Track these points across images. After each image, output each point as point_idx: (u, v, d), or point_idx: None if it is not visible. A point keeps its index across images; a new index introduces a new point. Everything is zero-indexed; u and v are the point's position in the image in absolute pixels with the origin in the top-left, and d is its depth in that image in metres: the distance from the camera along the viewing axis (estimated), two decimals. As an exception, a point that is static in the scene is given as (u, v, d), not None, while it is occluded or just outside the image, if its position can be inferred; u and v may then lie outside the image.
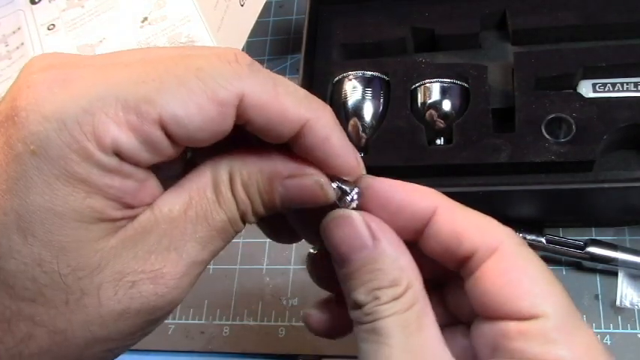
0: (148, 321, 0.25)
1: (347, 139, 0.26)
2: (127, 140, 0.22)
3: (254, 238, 0.51)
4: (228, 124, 0.23)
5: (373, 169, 0.43)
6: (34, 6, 0.71)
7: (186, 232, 0.24)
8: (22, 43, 0.68)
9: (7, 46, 0.69)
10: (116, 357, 0.26)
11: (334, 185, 0.26)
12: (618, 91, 0.43)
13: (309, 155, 0.25)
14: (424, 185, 0.43)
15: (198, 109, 0.22)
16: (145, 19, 0.66)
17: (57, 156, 0.21)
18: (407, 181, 0.43)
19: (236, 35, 0.59)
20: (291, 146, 0.25)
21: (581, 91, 0.43)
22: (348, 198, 0.26)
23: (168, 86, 0.22)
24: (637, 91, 0.43)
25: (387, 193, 0.27)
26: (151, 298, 0.24)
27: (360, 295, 0.24)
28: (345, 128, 0.46)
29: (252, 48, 0.60)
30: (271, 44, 0.61)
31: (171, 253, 0.24)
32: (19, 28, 0.70)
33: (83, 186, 0.22)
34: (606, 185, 0.39)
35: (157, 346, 0.48)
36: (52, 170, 0.21)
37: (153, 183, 0.24)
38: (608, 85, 0.44)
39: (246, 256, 0.50)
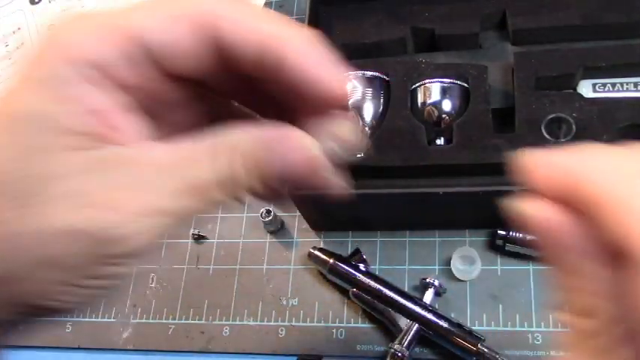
0: (94, 255, 0.23)
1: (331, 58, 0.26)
2: (106, 52, 0.23)
3: (254, 238, 0.51)
4: (204, 47, 0.24)
5: (373, 169, 0.44)
6: (34, 6, 0.71)
7: (163, 182, 0.24)
8: (22, 43, 0.68)
9: (7, 46, 0.69)
10: (65, 310, 0.25)
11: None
12: (618, 91, 0.43)
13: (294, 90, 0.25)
14: (425, 185, 0.44)
15: (170, 25, 0.23)
16: (145, 19, 0.66)
17: (54, 75, 0.23)
18: (407, 180, 0.43)
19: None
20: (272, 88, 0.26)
21: (581, 91, 0.43)
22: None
23: (145, 8, 0.24)
24: (637, 91, 0.43)
25: None
26: (98, 224, 0.23)
27: None
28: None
29: (252, 48, 0.60)
30: (271, 44, 0.61)
31: (137, 193, 0.23)
32: (19, 28, 0.70)
33: (68, 99, 0.23)
34: (606, 185, 0.39)
35: (156, 346, 0.48)
36: (49, 83, 0.23)
37: (137, 124, 0.25)
38: (608, 85, 0.44)
39: (246, 256, 0.50)
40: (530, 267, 0.45)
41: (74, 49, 0.23)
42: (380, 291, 0.44)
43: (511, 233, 0.43)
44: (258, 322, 0.47)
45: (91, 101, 0.23)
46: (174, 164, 0.24)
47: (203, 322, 0.48)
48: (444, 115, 0.45)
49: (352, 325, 0.46)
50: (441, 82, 0.45)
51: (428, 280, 0.44)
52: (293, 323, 0.47)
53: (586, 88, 0.44)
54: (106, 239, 0.23)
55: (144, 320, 0.49)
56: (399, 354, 0.41)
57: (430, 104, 0.45)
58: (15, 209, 0.23)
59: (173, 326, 0.49)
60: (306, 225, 0.50)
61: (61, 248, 0.23)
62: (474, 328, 0.43)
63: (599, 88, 0.44)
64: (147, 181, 0.24)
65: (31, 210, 0.23)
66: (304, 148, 0.24)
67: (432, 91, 0.45)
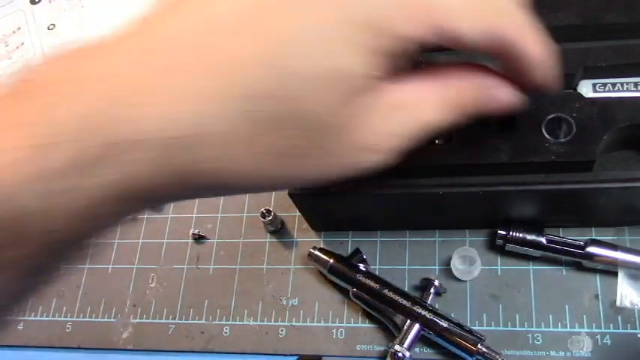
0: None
1: None
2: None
3: (254, 238, 0.51)
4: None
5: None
6: (34, 6, 0.71)
7: (413, 117, 0.30)
8: (22, 43, 0.69)
9: (7, 46, 0.69)
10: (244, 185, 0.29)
11: None
12: (618, 91, 0.43)
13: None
14: (425, 185, 0.43)
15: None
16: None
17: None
18: (407, 180, 0.43)
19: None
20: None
21: (581, 91, 0.43)
22: None
23: None
24: (637, 91, 0.43)
25: None
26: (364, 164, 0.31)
27: None
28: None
29: (252, 48, 0.60)
30: (271, 44, 0.61)
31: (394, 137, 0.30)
32: (19, 28, 0.70)
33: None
34: (606, 185, 0.39)
35: (157, 346, 0.48)
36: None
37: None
38: (608, 85, 0.44)
39: (246, 256, 0.50)
40: (530, 267, 0.45)
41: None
42: (380, 291, 0.44)
43: (511, 233, 0.43)
44: (258, 322, 0.47)
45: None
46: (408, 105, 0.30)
47: (203, 322, 0.48)
48: (444, 115, 0.45)
49: (352, 325, 0.46)
50: (441, 82, 0.45)
51: (428, 280, 0.44)
52: (293, 323, 0.47)
53: (586, 88, 0.44)
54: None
55: (144, 320, 0.49)
56: (399, 354, 0.41)
57: (430, 104, 0.45)
58: None
59: (173, 326, 0.49)
60: (306, 225, 0.50)
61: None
62: (474, 328, 0.43)
63: (599, 88, 0.44)
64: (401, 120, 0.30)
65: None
66: (510, 93, 0.33)
67: (432, 91, 0.45)
